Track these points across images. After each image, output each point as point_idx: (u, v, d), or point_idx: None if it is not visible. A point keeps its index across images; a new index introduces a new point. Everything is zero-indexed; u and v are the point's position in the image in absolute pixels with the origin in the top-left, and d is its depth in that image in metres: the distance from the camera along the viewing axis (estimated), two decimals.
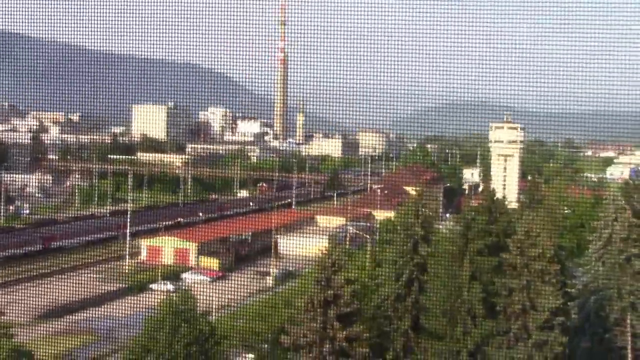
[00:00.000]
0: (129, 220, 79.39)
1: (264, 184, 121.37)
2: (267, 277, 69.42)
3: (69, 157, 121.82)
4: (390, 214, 63.68)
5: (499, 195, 65.19)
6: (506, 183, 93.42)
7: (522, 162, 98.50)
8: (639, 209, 51.11)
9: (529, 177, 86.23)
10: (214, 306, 51.45)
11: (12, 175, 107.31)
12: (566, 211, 65.26)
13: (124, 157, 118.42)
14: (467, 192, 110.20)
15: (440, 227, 59.35)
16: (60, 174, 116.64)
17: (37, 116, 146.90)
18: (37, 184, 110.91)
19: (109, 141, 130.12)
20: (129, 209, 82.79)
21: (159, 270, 70.00)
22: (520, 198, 77.59)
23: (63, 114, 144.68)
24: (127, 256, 76.22)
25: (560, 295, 41.93)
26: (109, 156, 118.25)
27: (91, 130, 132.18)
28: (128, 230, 78.25)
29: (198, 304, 41.85)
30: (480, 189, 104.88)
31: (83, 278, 66.68)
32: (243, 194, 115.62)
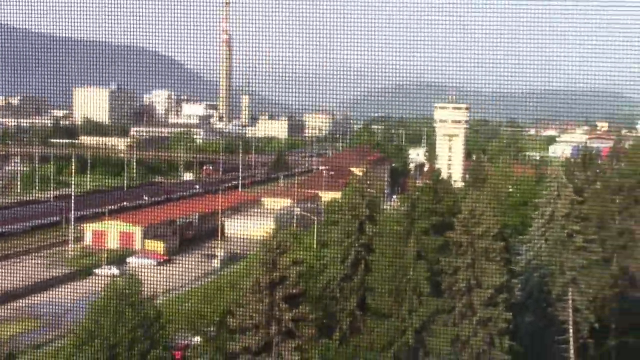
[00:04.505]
0: (72, 204, 78.13)
1: (209, 167, 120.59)
2: (213, 260, 69.06)
3: (8, 141, 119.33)
4: (337, 195, 63.72)
5: (444, 174, 65.83)
6: (451, 162, 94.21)
7: (467, 142, 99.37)
8: (580, 186, 51.98)
9: (474, 157, 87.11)
10: (159, 290, 51.00)
11: None
12: (510, 189, 66.09)
13: (66, 140, 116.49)
14: (412, 172, 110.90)
15: (386, 207, 59.64)
16: (0, 158, 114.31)
17: None
18: None
19: (51, 125, 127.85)
20: (72, 193, 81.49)
21: (104, 255, 69.14)
22: (465, 177, 78.34)
23: (2, 97, 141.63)
24: (71, 241, 75.10)
25: (505, 272, 42.51)
26: (51, 140, 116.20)
27: (32, 114, 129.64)
28: (72, 215, 77.04)
29: (143, 288, 41.40)
30: (425, 168, 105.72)
31: (26, 264, 65.51)
32: (188, 176, 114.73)
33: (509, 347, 41.26)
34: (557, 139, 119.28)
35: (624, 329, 50.02)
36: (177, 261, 68.10)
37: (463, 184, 71.30)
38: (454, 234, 43.08)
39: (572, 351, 46.20)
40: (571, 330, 45.80)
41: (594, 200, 50.89)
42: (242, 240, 63.44)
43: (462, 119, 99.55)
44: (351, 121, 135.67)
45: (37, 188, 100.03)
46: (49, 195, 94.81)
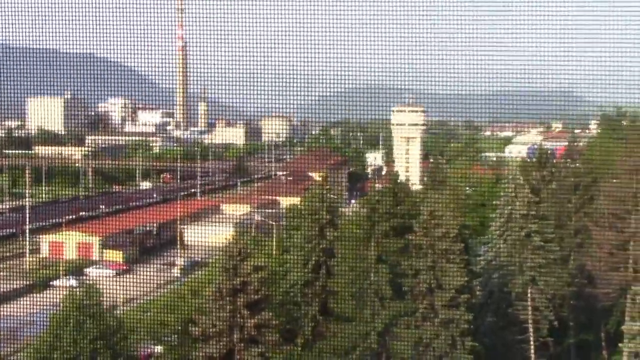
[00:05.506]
0: (28, 215, 77.05)
1: (168, 174, 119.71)
2: (174, 268, 68.59)
3: None
4: (296, 200, 63.71)
5: (402, 177, 66.16)
6: (409, 165, 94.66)
7: (425, 144, 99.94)
8: (537, 186, 52.66)
9: (431, 159, 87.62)
10: (120, 300, 50.49)
11: None
12: (468, 191, 66.62)
13: (20, 151, 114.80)
14: (371, 175, 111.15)
15: (346, 210, 59.77)
16: None
17: None
18: None
19: (3, 136, 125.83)
20: (27, 204, 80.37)
21: (62, 266, 68.25)
22: (423, 179, 78.78)
23: None
24: (28, 253, 74.01)
25: (465, 273, 42.88)
26: (4, 151, 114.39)
27: None
28: (27, 226, 75.96)
29: (103, 298, 40.99)
30: (384, 172, 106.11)
31: None
32: (146, 185, 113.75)
33: (470, 348, 41.59)
34: (512, 139, 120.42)
35: (582, 327, 50.82)
36: (137, 270, 67.52)
37: (421, 186, 71.71)
38: (414, 237, 43.36)
39: (532, 350, 46.75)
40: (531, 329, 46.35)
41: (550, 200, 51.60)
42: (202, 247, 63.09)
43: (419, 121, 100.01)
44: (309, 126, 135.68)
45: None
46: (3, 207, 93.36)
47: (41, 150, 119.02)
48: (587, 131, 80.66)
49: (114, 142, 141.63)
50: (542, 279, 46.28)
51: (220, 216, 79.61)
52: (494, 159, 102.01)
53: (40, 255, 75.59)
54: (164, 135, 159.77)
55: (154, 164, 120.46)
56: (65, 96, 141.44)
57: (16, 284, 64.11)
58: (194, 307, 41.43)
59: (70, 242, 75.68)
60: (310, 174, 79.18)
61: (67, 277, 65.40)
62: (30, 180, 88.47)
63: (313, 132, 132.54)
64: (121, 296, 50.72)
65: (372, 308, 42.50)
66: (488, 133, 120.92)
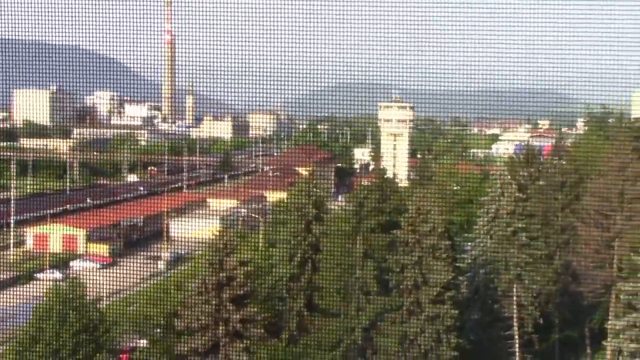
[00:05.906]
0: (12, 207, 76.57)
1: (154, 168, 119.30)
2: (159, 262, 68.33)
3: None
4: (283, 195, 63.59)
5: (389, 173, 66.12)
6: (396, 161, 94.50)
7: (412, 141, 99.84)
8: (524, 183, 52.74)
9: (419, 155, 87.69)
10: (104, 293, 50.25)
11: None
12: (455, 187, 66.64)
13: (5, 143, 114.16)
14: (358, 171, 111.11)
15: (333, 206, 59.69)
16: None
17: None
18: None
19: None
20: (12, 196, 79.87)
21: (47, 259, 67.86)
22: (410, 176, 78.79)
23: None
24: (12, 245, 73.54)
25: (451, 269, 42.90)
26: None
27: None
28: (12, 218, 75.48)
29: (88, 291, 40.76)
30: (371, 167, 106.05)
31: None
32: (132, 178, 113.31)
33: (456, 344, 41.59)
34: (500, 137, 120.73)
35: (567, 323, 50.97)
36: (122, 264, 67.19)
37: (409, 182, 71.72)
38: (401, 232, 43.31)
39: (517, 346, 46.83)
40: (516, 326, 46.42)
41: (537, 198, 51.70)
42: (188, 241, 62.91)
43: (406, 118, 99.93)
44: (296, 121, 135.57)
45: None
46: None
47: (27, 142, 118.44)
48: (573, 129, 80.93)
49: (100, 135, 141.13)
50: (527, 276, 46.34)
51: (206, 210, 79.42)
52: (481, 156, 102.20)
53: (25, 248, 75.18)
54: (151, 128, 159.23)
55: (141, 157, 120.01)
56: (52, 89, 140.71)
57: (1, 276, 63.73)
58: (179, 300, 41.28)
59: (55, 235, 75.29)
60: (297, 169, 79.11)
61: (52, 270, 65.06)
62: (15, 172, 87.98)
63: (300, 128, 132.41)
64: (105, 289, 50.52)
65: (358, 303, 42.44)
66: (475, 130, 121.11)
